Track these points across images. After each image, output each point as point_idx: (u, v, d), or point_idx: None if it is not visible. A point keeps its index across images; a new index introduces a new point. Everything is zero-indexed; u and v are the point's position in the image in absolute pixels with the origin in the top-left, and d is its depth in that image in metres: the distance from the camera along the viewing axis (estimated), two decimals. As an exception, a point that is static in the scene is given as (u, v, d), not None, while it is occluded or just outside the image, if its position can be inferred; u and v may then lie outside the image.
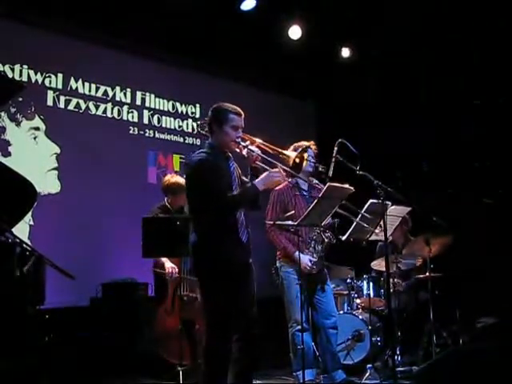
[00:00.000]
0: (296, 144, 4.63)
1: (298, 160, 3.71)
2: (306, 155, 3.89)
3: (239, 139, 3.68)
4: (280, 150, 3.73)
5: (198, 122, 4.02)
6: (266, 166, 3.66)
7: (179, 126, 7.35)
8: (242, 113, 3.74)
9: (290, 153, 3.76)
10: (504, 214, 6.46)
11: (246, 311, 3.62)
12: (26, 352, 3.59)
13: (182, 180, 5.19)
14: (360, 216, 4.19)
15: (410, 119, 7.29)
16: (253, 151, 3.65)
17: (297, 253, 4.36)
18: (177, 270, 5.11)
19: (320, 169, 4.22)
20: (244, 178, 3.80)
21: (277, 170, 3.59)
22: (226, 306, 3.51)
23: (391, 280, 5.38)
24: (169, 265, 5.14)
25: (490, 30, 6.44)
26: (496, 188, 6.51)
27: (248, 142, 3.70)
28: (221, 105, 3.77)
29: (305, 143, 4.63)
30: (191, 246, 3.63)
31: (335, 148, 4.19)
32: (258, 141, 3.73)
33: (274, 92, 8.08)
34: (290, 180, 4.06)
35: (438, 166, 7.05)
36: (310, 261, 4.44)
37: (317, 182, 4.76)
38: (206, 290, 3.60)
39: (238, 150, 3.71)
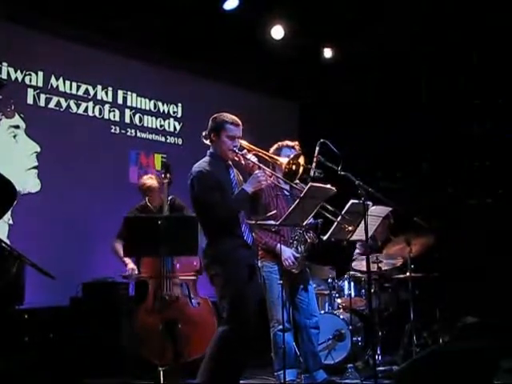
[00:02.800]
0: (280, 143, 4.67)
1: (294, 167, 3.94)
2: (302, 161, 4.01)
3: (236, 148, 3.91)
4: (275, 158, 4.03)
5: (204, 133, 4.10)
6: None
7: (161, 126, 7.33)
8: (240, 123, 3.96)
9: (283, 159, 3.97)
10: (489, 213, 6.52)
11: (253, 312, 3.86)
12: (5, 352, 3.58)
13: (154, 183, 5.40)
14: (341, 216, 4.21)
15: (398, 119, 7.37)
16: (249, 159, 3.90)
17: (278, 245, 4.41)
18: (136, 272, 5.23)
19: (316, 173, 4.25)
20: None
21: (260, 171, 3.84)
22: (244, 291, 3.78)
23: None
24: (131, 266, 5.26)
25: (490, 29, 6.52)
26: (496, 188, 6.65)
27: (245, 151, 3.93)
28: (220, 115, 3.99)
29: (289, 143, 4.66)
30: (203, 251, 3.92)
31: (317, 148, 4.22)
32: (255, 149, 3.98)
33: (258, 92, 8.09)
34: (272, 179, 4.09)
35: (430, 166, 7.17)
36: (293, 255, 4.46)
37: (297, 181, 4.79)
38: (223, 279, 3.82)
39: (236, 159, 3.96)
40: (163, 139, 7.33)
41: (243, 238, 3.90)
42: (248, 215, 4.01)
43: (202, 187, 3.81)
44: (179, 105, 7.53)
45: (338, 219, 4.24)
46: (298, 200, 4.01)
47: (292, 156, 4.00)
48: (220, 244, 3.84)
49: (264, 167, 3.91)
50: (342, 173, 4.04)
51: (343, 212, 4.21)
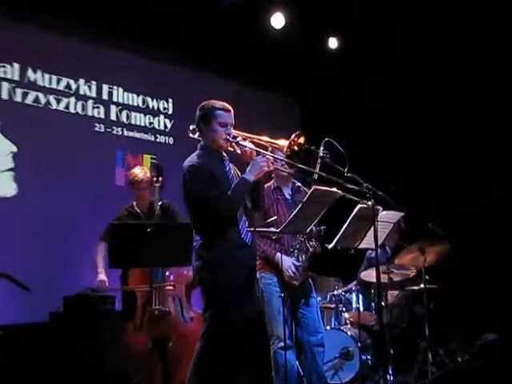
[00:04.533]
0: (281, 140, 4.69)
1: (296, 148, 3.91)
2: (302, 140, 4.00)
3: (230, 136, 3.91)
4: (274, 141, 3.99)
5: (191, 127, 4.10)
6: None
7: (150, 123, 7.35)
8: (231, 108, 3.96)
9: (284, 142, 3.95)
10: (506, 220, 6.54)
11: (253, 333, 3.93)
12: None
13: (146, 176, 5.37)
14: (348, 222, 4.21)
15: (408, 117, 7.39)
16: (245, 146, 3.91)
17: (278, 254, 4.44)
18: (106, 284, 5.27)
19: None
20: None
21: (260, 156, 3.87)
22: (232, 305, 3.78)
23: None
24: (100, 278, 5.30)
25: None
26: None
27: (240, 139, 3.94)
28: (207, 102, 3.99)
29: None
30: (195, 252, 3.92)
31: (321, 148, 4.22)
32: (251, 136, 3.97)
33: (256, 87, 8.13)
34: (275, 165, 4.13)
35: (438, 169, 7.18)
36: (294, 264, 4.47)
37: (299, 184, 4.82)
38: (212, 286, 3.85)
39: (230, 149, 3.97)
40: (153, 138, 7.34)
41: (241, 236, 3.90)
42: (246, 211, 3.99)
43: (196, 181, 3.80)
44: (170, 100, 7.54)
45: (345, 226, 4.24)
46: (300, 205, 4.02)
47: (293, 136, 3.98)
48: (216, 245, 3.82)
49: (264, 152, 3.93)
50: (349, 174, 4.04)
51: (350, 218, 4.22)
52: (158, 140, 7.38)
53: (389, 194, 4.16)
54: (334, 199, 4.02)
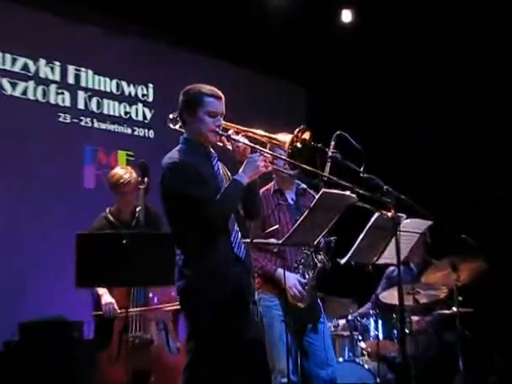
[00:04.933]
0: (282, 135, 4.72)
1: (299, 144, 3.87)
2: (307, 135, 3.97)
3: (219, 128, 3.87)
4: (272, 136, 3.94)
5: (170, 116, 4.10)
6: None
7: (126, 113, 7.38)
8: (222, 95, 3.92)
9: (284, 137, 3.91)
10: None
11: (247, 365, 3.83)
12: None
13: (132, 177, 5.36)
14: (364, 232, 4.22)
15: (429, 106, 7.53)
16: (238, 141, 3.87)
17: (280, 270, 4.45)
18: (115, 306, 5.11)
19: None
20: None
21: (257, 154, 3.83)
22: (219, 336, 3.72)
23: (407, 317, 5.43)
24: (106, 300, 5.14)
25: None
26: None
27: (232, 132, 3.89)
28: (193, 86, 3.95)
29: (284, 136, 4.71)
30: (177, 269, 3.84)
31: (332, 143, 4.22)
32: (244, 128, 3.92)
33: (255, 70, 8.19)
34: (274, 166, 4.14)
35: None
36: (300, 282, 4.49)
37: (305, 186, 4.83)
38: (196, 312, 3.79)
39: (219, 144, 3.92)
40: (129, 131, 7.38)
41: (234, 249, 3.83)
42: (238, 220, 3.94)
43: (178, 182, 3.76)
44: (150, 86, 7.58)
45: (361, 237, 4.25)
46: (306, 211, 4.00)
47: (296, 131, 3.94)
48: (203, 260, 3.76)
49: (261, 148, 3.87)
50: (366, 175, 4.04)
51: (367, 227, 4.23)
52: (135, 133, 7.41)
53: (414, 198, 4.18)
54: (347, 205, 4.01)
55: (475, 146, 7.35)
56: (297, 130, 3.96)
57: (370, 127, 7.28)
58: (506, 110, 7.26)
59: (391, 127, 7.84)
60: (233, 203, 3.83)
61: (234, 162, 3.96)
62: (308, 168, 3.98)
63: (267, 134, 4.00)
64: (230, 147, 3.92)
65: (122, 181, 5.37)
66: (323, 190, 3.99)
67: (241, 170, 3.83)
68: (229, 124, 3.94)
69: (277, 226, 4.33)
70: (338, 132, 4.25)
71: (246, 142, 3.87)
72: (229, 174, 4.02)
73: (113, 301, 5.13)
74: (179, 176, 3.76)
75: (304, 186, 4.83)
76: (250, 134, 3.94)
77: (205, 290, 3.74)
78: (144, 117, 7.50)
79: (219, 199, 3.74)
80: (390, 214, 3.98)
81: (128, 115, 7.40)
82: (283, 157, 3.98)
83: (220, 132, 3.88)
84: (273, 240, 4.25)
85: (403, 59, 7.80)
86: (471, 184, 7.28)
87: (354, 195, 3.94)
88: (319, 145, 4.10)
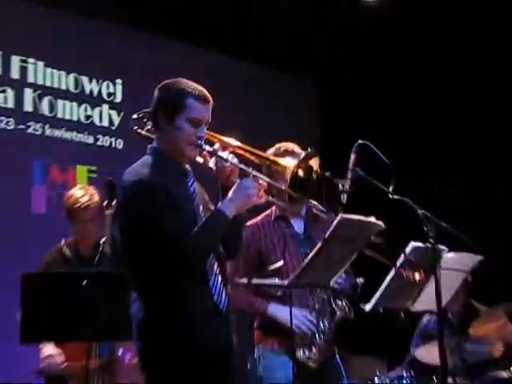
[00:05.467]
0: (280, 146, 4.78)
1: (301, 173, 3.85)
2: (315, 163, 3.98)
3: (201, 141, 3.81)
4: (271, 158, 3.97)
5: (134, 116, 4.07)
6: None
7: (87, 117, 7.42)
8: (210, 98, 3.86)
9: (288, 161, 3.93)
10: None
11: None
12: None
13: (93, 198, 5.34)
14: (394, 271, 4.22)
15: (428, 102, 8.04)
16: (225, 159, 3.79)
17: (273, 305, 4.51)
18: (57, 359, 5.09)
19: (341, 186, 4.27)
20: (213, 206, 3.91)
21: (248, 179, 3.76)
22: None
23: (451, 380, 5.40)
24: (45, 352, 5.11)
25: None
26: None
27: (217, 146, 3.83)
28: (175, 82, 3.90)
29: (295, 148, 4.78)
30: (136, 325, 3.76)
31: (352, 155, 4.26)
32: (234, 143, 3.88)
33: (255, 64, 8.35)
34: (269, 197, 4.12)
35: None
36: (308, 319, 4.52)
37: (321, 208, 4.80)
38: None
39: (199, 160, 3.87)
40: (91, 140, 7.42)
41: (213, 298, 3.78)
42: (219, 259, 3.90)
43: (144, 207, 3.68)
44: (119, 82, 7.66)
45: (391, 275, 4.25)
46: (320, 243, 4.01)
47: (303, 156, 3.99)
48: (171, 313, 3.69)
49: (256, 173, 3.80)
50: (396, 197, 4.07)
51: (398, 263, 4.23)
52: (99, 143, 7.45)
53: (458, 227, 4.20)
54: (372, 234, 4.05)
55: (475, 142, 8.14)
56: (303, 154, 4.00)
57: (368, 124, 7.65)
58: (506, 107, 8.04)
59: (391, 123, 8.38)
60: (214, 240, 3.76)
61: (212, 183, 3.93)
62: (314, 203, 3.99)
63: (264, 154, 4.03)
64: (212, 166, 3.86)
65: (78, 205, 5.34)
66: (341, 215, 3.99)
67: (228, 197, 3.76)
68: (214, 135, 3.90)
69: (281, 263, 4.34)
70: (359, 142, 4.28)
71: (236, 161, 3.82)
72: (206, 198, 3.99)
73: (55, 352, 5.11)
74: (146, 199, 3.68)
75: (320, 206, 4.81)
76: (241, 152, 3.90)
77: (174, 355, 3.68)
78: (110, 122, 7.52)
79: (197, 234, 3.67)
80: (427, 245, 4.01)
81: (89, 120, 7.45)
82: (283, 187, 3.92)
83: (203, 146, 3.81)
84: (276, 280, 4.26)
85: (402, 55, 8.48)
86: (471, 181, 7.99)
87: (380, 222, 3.97)
88: (327, 173, 4.13)
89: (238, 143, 3.90)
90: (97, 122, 7.46)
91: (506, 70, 8.01)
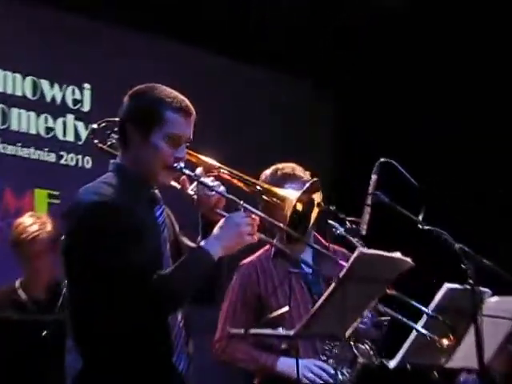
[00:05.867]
0: (281, 167, 4.84)
1: (300, 207, 3.83)
2: (318, 197, 3.99)
3: (181, 162, 3.76)
4: (265, 186, 3.95)
5: (94, 126, 4.05)
6: None
7: (48, 130, 7.41)
8: (192, 110, 3.82)
9: (287, 192, 3.91)
10: None
11: None
12: None
13: (45, 229, 5.36)
14: (426, 319, 4.20)
15: (430, 102, 8.51)
16: (210, 187, 3.74)
17: (291, 362, 4.47)
18: None
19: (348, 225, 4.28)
20: (187, 242, 3.91)
21: (241, 213, 3.70)
22: None
23: None
24: None
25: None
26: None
27: (200, 171, 3.79)
28: (149, 89, 3.86)
29: (298, 171, 4.83)
30: (72, 377, 3.67)
31: (373, 175, 4.28)
32: (221, 166, 3.87)
33: (255, 65, 8.51)
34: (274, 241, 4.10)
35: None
36: (320, 366, 4.54)
37: (343, 232, 4.77)
38: None
39: (175, 186, 3.83)
40: (53, 158, 7.41)
41: (171, 356, 3.72)
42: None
43: (105, 233, 3.57)
44: (86, 87, 7.65)
45: (421, 324, 4.22)
46: (333, 284, 3.96)
47: (307, 186, 4.00)
48: (116, 369, 3.62)
49: (248, 207, 3.74)
50: (427, 227, 4.05)
51: (430, 309, 4.21)
52: (62, 161, 7.44)
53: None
54: (398, 273, 4.01)
55: (477, 142, 8.94)
56: (307, 184, 4.01)
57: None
58: (507, 107, 8.84)
59: (393, 124, 8.96)
60: (191, 285, 3.66)
61: (186, 209, 3.85)
62: (315, 246, 3.95)
63: (257, 181, 3.97)
64: (192, 193, 3.81)
65: (25, 236, 5.36)
66: (360, 249, 3.97)
67: (214, 233, 3.70)
68: (195, 155, 3.90)
69: (286, 309, 4.28)
70: (381, 160, 4.31)
71: (222, 190, 3.77)
72: (177, 230, 3.96)
73: None
74: (109, 225, 3.59)
75: (342, 230, 4.76)
76: (227, 177, 3.88)
77: None
78: (76, 136, 7.51)
79: (170, 275, 3.61)
80: (465, 286, 4.00)
81: (51, 133, 7.42)
82: (281, 225, 3.85)
83: (183, 170, 3.76)
84: (280, 330, 4.20)
85: (404, 56, 9.27)
86: (472, 181, 8.74)
87: (408, 259, 3.94)
88: (332, 207, 4.18)
89: (224, 166, 3.88)
90: (60, 135, 7.44)
91: (507, 69, 8.77)
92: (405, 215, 4.10)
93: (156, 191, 3.86)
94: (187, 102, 3.80)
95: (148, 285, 3.51)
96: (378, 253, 3.94)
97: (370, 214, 4.20)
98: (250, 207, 3.74)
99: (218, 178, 3.81)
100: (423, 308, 4.18)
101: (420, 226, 4.06)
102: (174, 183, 3.81)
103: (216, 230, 3.68)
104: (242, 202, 3.73)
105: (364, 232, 4.14)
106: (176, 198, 3.93)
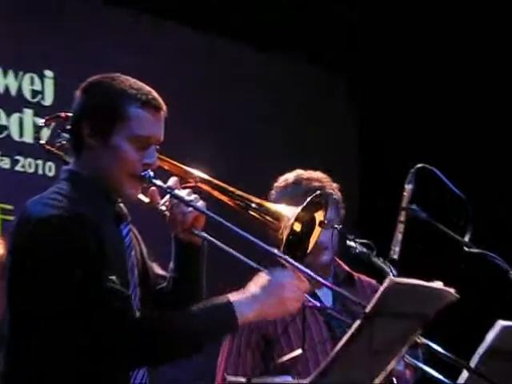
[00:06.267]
0: (283, 179, 4.96)
1: (298, 228, 3.87)
2: (321, 215, 4.00)
3: (150, 172, 3.78)
4: (256, 201, 3.94)
5: (41, 122, 4.04)
6: (218, 243, 3.81)
7: (1, 129, 7.44)
8: (162, 104, 3.86)
9: (283, 209, 3.94)
10: None
11: None
12: None
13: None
14: (477, 361, 4.16)
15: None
16: (186, 202, 3.78)
17: None
18: None
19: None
20: (156, 269, 4.01)
21: (287, 270, 3.69)
22: None
23: None
24: None
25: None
26: None
27: (173, 181, 3.86)
28: (109, 79, 3.89)
29: (311, 175, 4.94)
30: None
31: (407, 186, 4.24)
32: (200, 175, 3.94)
33: (275, 57, 9.17)
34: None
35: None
36: None
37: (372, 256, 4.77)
38: None
39: (144, 199, 3.88)
40: (6, 164, 7.42)
41: None
42: None
43: (58, 258, 3.56)
44: (48, 75, 7.70)
45: (473, 365, 4.19)
46: (358, 321, 3.92)
47: (307, 201, 3.98)
48: None
49: (292, 261, 3.72)
50: (475, 250, 4.00)
51: (479, 354, 4.17)
52: (18, 168, 7.51)
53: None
54: (439, 307, 3.99)
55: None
56: (308, 199, 3.98)
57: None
58: None
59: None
60: (198, 346, 3.68)
61: (154, 230, 3.97)
62: (319, 279, 3.93)
63: (247, 195, 3.96)
64: (164, 209, 3.84)
65: None
66: (390, 278, 3.93)
67: (251, 291, 3.70)
68: (169, 162, 3.95)
69: (298, 352, 4.24)
70: (418, 165, 4.31)
71: (201, 205, 3.80)
72: (145, 252, 4.00)
73: None
74: (64, 241, 3.58)
75: (373, 254, 4.75)
76: (208, 189, 3.92)
77: None
78: (37, 136, 7.46)
79: (172, 320, 3.67)
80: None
81: (4, 132, 7.42)
82: (292, 260, 3.81)
83: (152, 179, 3.77)
84: (289, 379, 4.18)
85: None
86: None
87: (452, 291, 3.92)
88: (336, 226, 4.38)
89: (204, 175, 3.92)
90: (15, 135, 7.42)
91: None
92: (448, 235, 4.06)
93: (121, 205, 3.86)
94: (155, 93, 3.84)
95: (129, 319, 3.53)
96: (413, 282, 3.92)
97: (404, 234, 4.16)
98: (293, 261, 3.69)
99: (196, 189, 3.83)
100: (463, 362, 4.14)
101: (466, 249, 4.03)
102: (141, 196, 3.82)
103: (255, 287, 3.68)
104: (241, 231, 3.69)
105: (396, 256, 4.09)
106: (143, 213, 3.96)
